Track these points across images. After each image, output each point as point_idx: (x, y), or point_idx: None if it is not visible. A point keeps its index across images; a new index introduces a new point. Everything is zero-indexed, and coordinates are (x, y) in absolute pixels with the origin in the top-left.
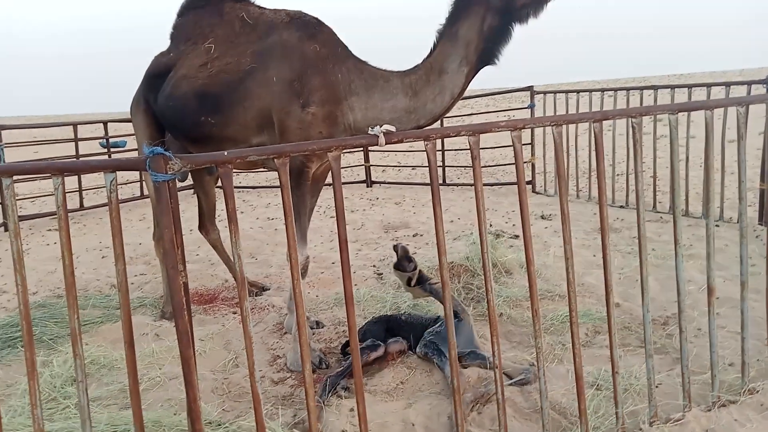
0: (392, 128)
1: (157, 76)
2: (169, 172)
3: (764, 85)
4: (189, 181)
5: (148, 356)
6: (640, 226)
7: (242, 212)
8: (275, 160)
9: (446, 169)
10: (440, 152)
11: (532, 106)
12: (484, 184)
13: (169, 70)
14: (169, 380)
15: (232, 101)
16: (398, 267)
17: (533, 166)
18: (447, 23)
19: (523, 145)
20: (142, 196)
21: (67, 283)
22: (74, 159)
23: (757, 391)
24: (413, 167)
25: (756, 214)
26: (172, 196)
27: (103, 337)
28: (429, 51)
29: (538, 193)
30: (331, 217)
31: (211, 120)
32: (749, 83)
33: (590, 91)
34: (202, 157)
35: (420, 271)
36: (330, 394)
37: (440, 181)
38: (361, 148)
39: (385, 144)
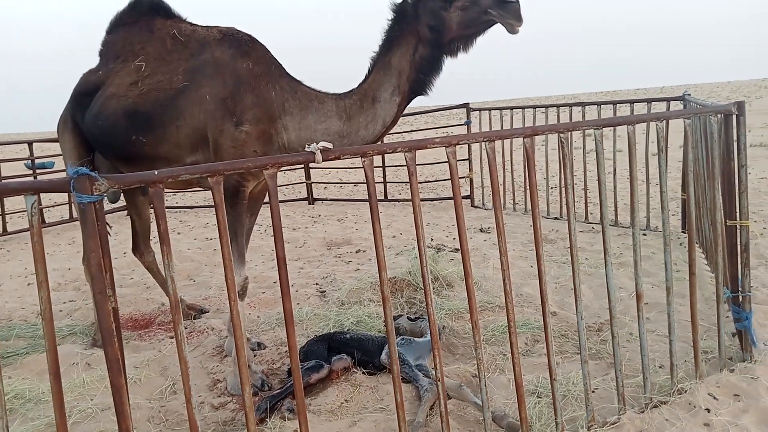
0: (329, 145)
1: (85, 94)
2: (95, 193)
3: (681, 102)
4: (123, 201)
5: (78, 387)
6: (572, 237)
7: (179, 233)
8: (209, 179)
9: (387, 185)
10: (381, 168)
11: (468, 123)
12: (424, 199)
13: (98, 88)
14: (101, 411)
15: (164, 120)
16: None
17: (471, 180)
18: (380, 52)
19: (461, 160)
20: (71, 219)
21: None
22: None
23: (686, 391)
24: (355, 184)
25: (679, 222)
26: (99, 218)
27: (28, 369)
28: (364, 77)
29: (476, 207)
30: (272, 235)
31: (142, 139)
32: (668, 99)
33: (523, 107)
34: (130, 177)
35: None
36: (272, 416)
37: (381, 197)
38: (302, 166)
39: (322, 161)
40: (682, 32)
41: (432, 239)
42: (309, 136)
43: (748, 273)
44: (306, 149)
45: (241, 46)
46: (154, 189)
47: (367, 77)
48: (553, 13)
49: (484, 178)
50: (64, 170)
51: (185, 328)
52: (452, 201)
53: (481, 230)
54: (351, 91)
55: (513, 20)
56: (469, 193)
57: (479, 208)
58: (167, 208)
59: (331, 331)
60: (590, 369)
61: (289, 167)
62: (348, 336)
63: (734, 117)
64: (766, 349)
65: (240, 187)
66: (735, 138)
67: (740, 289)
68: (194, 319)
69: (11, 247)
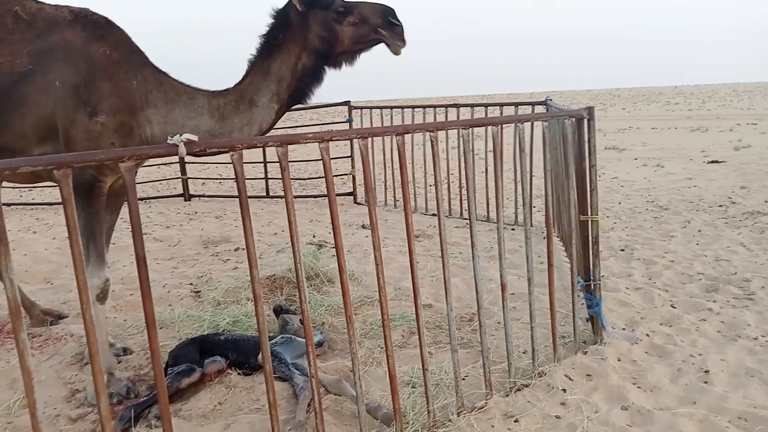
0: (194, 137)
1: None
2: None
3: (545, 106)
4: None
5: None
6: (441, 232)
7: (35, 232)
8: (54, 171)
9: (269, 181)
10: (262, 164)
11: (350, 121)
12: (307, 196)
13: None
14: None
15: (5, 107)
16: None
17: (354, 178)
18: (259, 55)
19: (345, 157)
20: None
21: None
22: None
23: (545, 374)
24: (235, 179)
25: (544, 218)
26: None
27: None
28: (241, 77)
29: (359, 203)
30: (144, 233)
31: None
32: (533, 104)
33: (402, 107)
34: None
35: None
36: (138, 425)
37: (264, 194)
38: (177, 160)
39: (186, 154)
40: (551, 42)
41: (314, 236)
42: (176, 131)
43: (599, 263)
44: (168, 141)
45: (97, 29)
46: None
47: (244, 78)
48: (435, 18)
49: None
50: None
51: (40, 336)
52: (338, 197)
53: (363, 226)
54: (226, 90)
55: (399, 42)
56: (351, 190)
57: (362, 204)
58: (21, 204)
59: (206, 332)
60: (461, 357)
61: (154, 160)
62: (222, 337)
63: (586, 121)
64: (614, 332)
65: (96, 182)
66: (586, 140)
67: (592, 278)
68: (51, 325)
69: None
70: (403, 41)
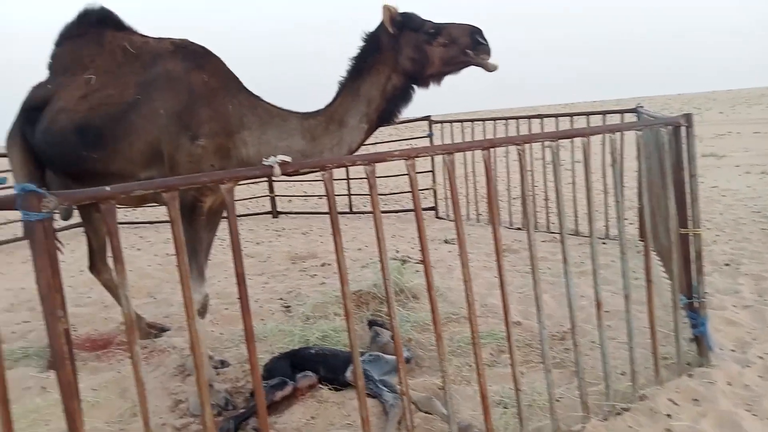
0: (288, 158)
1: (34, 108)
2: (43, 211)
3: (635, 114)
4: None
5: (33, 412)
6: (531, 247)
7: (139, 249)
8: (163, 194)
9: (352, 197)
10: (345, 181)
11: (430, 135)
12: (389, 212)
13: (47, 102)
14: None
15: (116, 135)
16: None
17: (435, 192)
18: (349, 77)
19: (425, 172)
20: (26, 237)
21: None
22: None
23: (647, 398)
24: (320, 197)
25: (637, 231)
26: (48, 236)
27: None
28: (331, 99)
29: (441, 218)
30: None
31: (93, 155)
32: (622, 112)
33: (483, 120)
34: (81, 193)
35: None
36: None
37: (347, 210)
38: (266, 180)
39: (281, 174)
40: (637, 45)
41: (398, 251)
42: (270, 152)
43: (702, 280)
44: (264, 163)
45: (196, 58)
46: (105, 205)
47: (334, 100)
48: (514, 29)
49: (448, 189)
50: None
51: (146, 348)
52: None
53: (446, 241)
54: (317, 111)
55: (487, 60)
56: (433, 205)
57: (444, 219)
58: (126, 224)
59: (296, 347)
60: (555, 378)
61: (246, 181)
62: (313, 352)
63: (683, 128)
64: (722, 353)
65: (197, 202)
66: (685, 148)
67: (695, 295)
68: (155, 338)
69: None
70: (489, 56)
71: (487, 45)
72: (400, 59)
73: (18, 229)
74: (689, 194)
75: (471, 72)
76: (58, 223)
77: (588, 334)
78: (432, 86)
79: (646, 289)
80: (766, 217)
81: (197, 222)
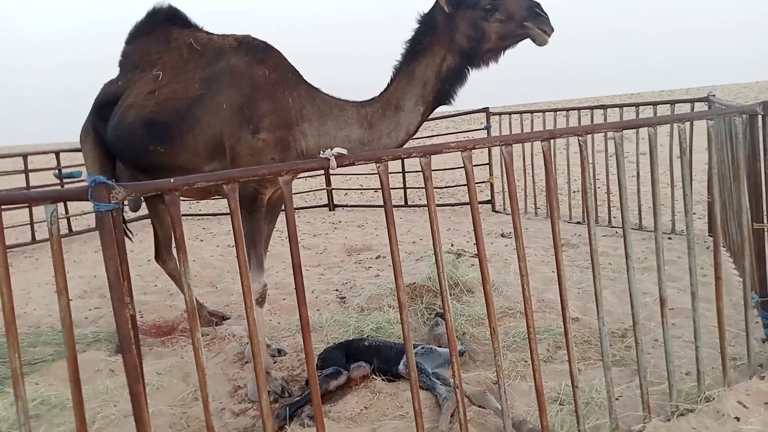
0: (344, 151)
1: (105, 104)
2: (112, 202)
3: (706, 103)
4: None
5: (102, 393)
6: (592, 241)
7: (202, 240)
8: (224, 186)
9: (407, 190)
10: (400, 174)
11: (488, 127)
12: (444, 205)
13: (118, 98)
14: (124, 417)
15: (181, 129)
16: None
17: (492, 185)
18: (404, 60)
19: (481, 165)
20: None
21: (6, 321)
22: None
23: (713, 399)
24: (375, 190)
25: (706, 225)
26: (116, 226)
27: (54, 376)
28: (386, 85)
29: (497, 212)
30: None
31: (160, 148)
32: (692, 101)
33: (543, 111)
34: (146, 185)
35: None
36: (292, 423)
37: (402, 203)
38: (323, 172)
39: (337, 167)
40: (708, 32)
41: (452, 245)
42: (329, 143)
43: None
44: (320, 155)
45: (257, 53)
46: (170, 196)
47: (389, 85)
48: (576, 15)
49: (505, 182)
50: None
51: (207, 335)
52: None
53: (502, 235)
54: (373, 99)
55: (546, 30)
56: (489, 198)
57: (500, 212)
58: (190, 215)
59: (351, 337)
60: (614, 376)
61: (304, 173)
62: (366, 343)
63: (759, 117)
64: None
65: (258, 194)
66: (761, 138)
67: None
68: (216, 325)
69: (40, 255)
70: (551, 28)
71: (547, 17)
72: (456, 37)
73: (92, 220)
74: (764, 187)
75: (533, 61)
76: (128, 214)
77: (651, 332)
78: (489, 65)
79: (714, 286)
80: None
81: (257, 214)
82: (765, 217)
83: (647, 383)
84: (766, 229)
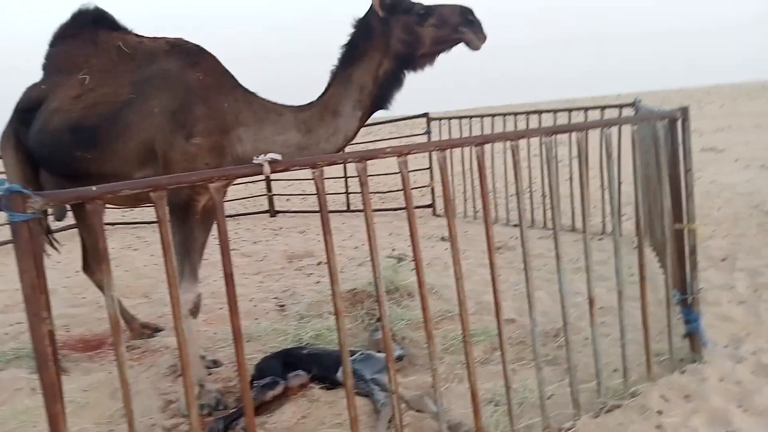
0: (278, 156)
1: (28, 109)
2: (28, 211)
3: (633, 108)
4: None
5: (21, 413)
6: (524, 243)
7: (136, 249)
8: (151, 193)
9: (350, 195)
10: (343, 179)
11: (428, 132)
12: (386, 209)
13: (41, 103)
14: None
15: (110, 134)
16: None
17: (432, 189)
18: (341, 64)
19: (424, 169)
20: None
21: None
22: None
23: (639, 394)
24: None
25: (635, 227)
26: (33, 237)
27: None
28: (324, 89)
29: (438, 215)
30: (232, 249)
31: (87, 155)
32: (620, 106)
33: (482, 116)
34: (67, 193)
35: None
36: None
37: (345, 208)
38: (263, 178)
39: (271, 173)
40: (638, 40)
41: (394, 249)
42: (267, 148)
43: (696, 276)
44: (254, 161)
45: (190, 56)
46: (92, 206)
47: (326, 90)
48: (513, 22)
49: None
50: None
51: (139, 348)
52: (416, 210)
53: (443, 239)
54: (310, 103)
55: (479, 36)
56: (430, 203)
57: (441, 216)
58: (123, 224)
59: (290, 346)
60: (547, 375)
61: (242, 179)
62: (305, 351)
63: (679, 122)
64: (715, 349)
65: (191, 201)
66: (680, 142)
67: (689, 291)
68: (148, 338)
69: None
70: (483, 34)
71: (479, 23)
72: (391, 42)
73: None
74: (684, 189)
75: (472, 68)
76: (56, 223)
77: (582, 330)
78: (425, 68)
79: (639, 286)
80: (763, 212)
81: (192, 221)
82: (685, 218)
83: (577, 381)
84: (685, 230)
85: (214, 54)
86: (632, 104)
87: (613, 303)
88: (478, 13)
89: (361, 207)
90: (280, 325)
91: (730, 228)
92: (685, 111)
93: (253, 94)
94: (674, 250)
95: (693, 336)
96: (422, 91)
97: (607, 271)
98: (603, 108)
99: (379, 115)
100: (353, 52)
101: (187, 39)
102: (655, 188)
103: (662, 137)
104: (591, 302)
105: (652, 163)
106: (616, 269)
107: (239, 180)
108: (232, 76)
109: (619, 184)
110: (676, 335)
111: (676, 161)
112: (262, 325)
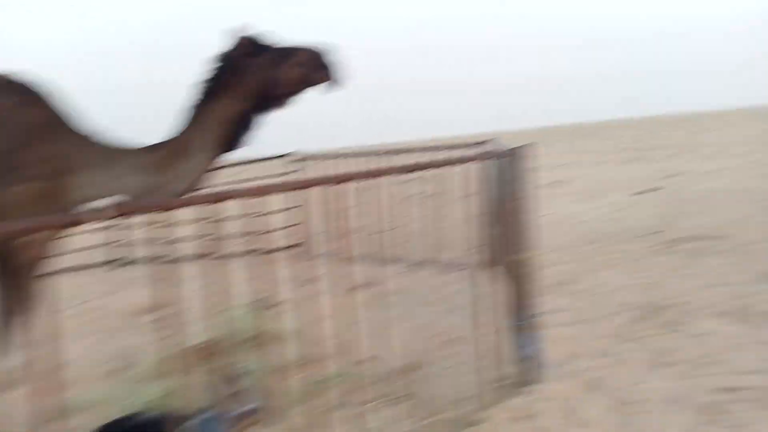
0: (119, 201)
1: None
2: None
3: (485, 147)
4: None
5: None
6: (384, 281)
7: None
8: None
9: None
10: (202, 222)
11: (297, 171)
12: (247, 252)
13: None
14: None
15: None
16: None
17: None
18: (198, 102)
19: (291, 208)
20: None
21: None
22: None
23: (485, 420)
24: (170, 242)
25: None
26: None
27: None
28: (177, 127)
29: (316, 255)
30: (69, 308)
31: None
32: (473, 146)
33: (346, 156)
34: None
35: None
36: None
37: (202, 252)
38: (112, 223)
39: (118, 216)
40: (490, 83)
41: (258, 293)
42: (108, 192)
43: (534, 301)
44: (89, 207)
45: (25, 93)
46: None
47: (179, 129)
48: (383, 64)
49: (314, 225)
50: None
51: None
52: (281, 252)
53: (308, 280)
54: (162, 142)
55: (339, 81)
56: (297, 243)
57: (319, 255)
58: None
59: (130, 412)
60: (408, 409)
61: (90, 227)
62: (143, 418)
63: (515, 160)
64: (552, 370)
65: (12, 253)
66: (517, 178)
67: (528, 316)
68: None
69: None
70: (341, 76)
71: (336, 65)
72: (247, 82)
73: None
74: (520, 221)
75: (344, 110)
76: None
77: (435, 363)
78: (281, 108)
79: (489, 314)
80: (594, 239)
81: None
82: (521, 248)
83: (428, 413)
84: (522, 259)
85: (55, 88)
86: (482, 144)
87: (463, 334)
88: (342, 54)
89: (222, 250)
90: (117, 390)
91: (565, 256)
92: (519, 150)
93: (94, 133)
94: (513, 278)
95: (531, 359)
96: (299, 128)
97: (462, 301)
98: (452, 148)
99: (249, 153)
100: (211, 89)
101: (15, 72)
102: (499, 222)
103: (502, 173)
104: (440, 334)
105: (496, 198)
106: (468, 299)
107: (60, 229)
108: (71, 115)
109: (478, 217)
110: (516, 360)
111: (513, 195)
112: (99, 392)
